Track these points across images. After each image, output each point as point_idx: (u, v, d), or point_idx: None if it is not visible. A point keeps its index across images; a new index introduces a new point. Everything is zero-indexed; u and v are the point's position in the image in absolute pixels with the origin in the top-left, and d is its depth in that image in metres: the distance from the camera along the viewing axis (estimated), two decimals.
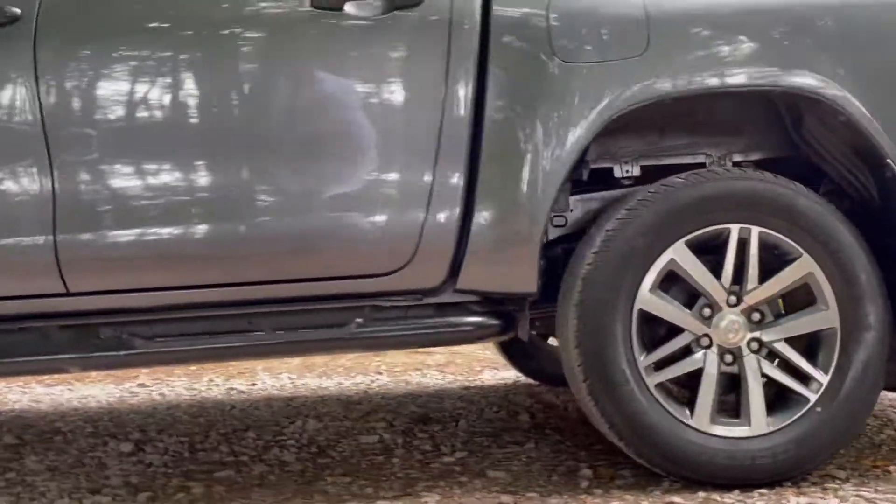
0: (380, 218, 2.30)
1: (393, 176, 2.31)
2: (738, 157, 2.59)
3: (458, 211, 2.31)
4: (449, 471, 2.57)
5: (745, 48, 2.34)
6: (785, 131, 2.54)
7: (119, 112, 2.26)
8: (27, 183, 2.23)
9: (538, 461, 2.63)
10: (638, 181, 2.52)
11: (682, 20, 2.34)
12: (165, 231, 2.26)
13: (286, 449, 2.87)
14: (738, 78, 2.34)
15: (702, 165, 2.57)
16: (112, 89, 2.25)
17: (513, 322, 2.41)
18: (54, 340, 2.28)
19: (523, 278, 2.32)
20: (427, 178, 2.30)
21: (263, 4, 2.31)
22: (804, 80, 2.31)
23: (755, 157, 2.61)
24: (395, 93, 2.32)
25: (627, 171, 2.54)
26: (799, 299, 2.37)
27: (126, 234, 2.25)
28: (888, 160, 2.31)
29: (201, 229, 2.26)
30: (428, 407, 3.43)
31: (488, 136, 2.31)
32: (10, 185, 2.24)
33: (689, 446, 2.28)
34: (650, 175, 2.51)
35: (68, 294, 2.25)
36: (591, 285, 2.28)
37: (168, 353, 2.31)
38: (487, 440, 2.89)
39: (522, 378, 3.90)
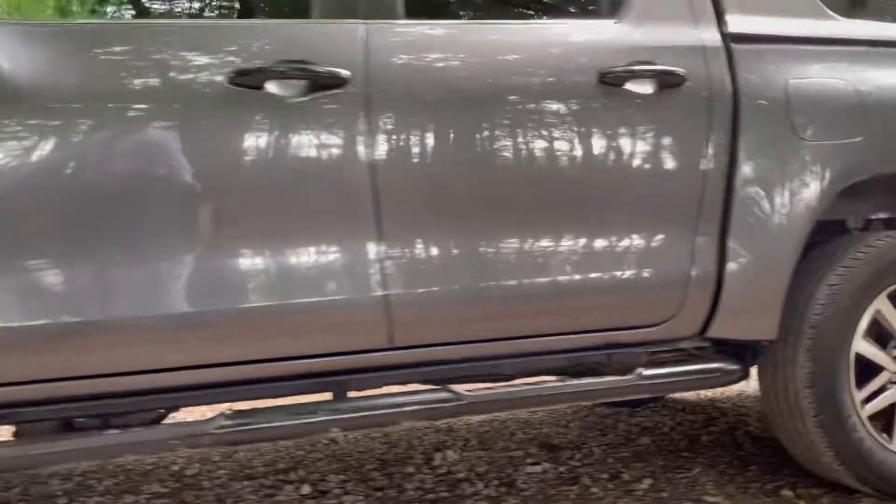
0: (659, 274, 2.53)
1: (668, 237, 2.54)
2: (868, 216, 3.09)
3: (714, 267, 2.59)
4: (660, 499, 2.83)
5: None
6: None
7: (447, 173, 2.33)
8: (357, 241, 2.26)
9: (729, 483, 2.93)
10: None
11: (890, 111, 2.76)
12: (488, 286, 2.36)
13: (471, 483, 2.99)
14: None
15: (842, 223, 3.03)
16: (442, 149, 2.32)
17: (746, 366, 2.73)
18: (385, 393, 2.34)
19: (768, 326, 2.65)
20: (692, 238, 2.56)
21: (564, 78, 2.46)
22: None
23: (882, 216, 3.11)
24: (667, 162, 2.54)
25: None
26: None
27: (453, 292, 2.33)
28: None
29: (526, 285, 2.38)
30: (527, 432, 3.65)
31: (739, 201, 2.60)
32: (338, 244, 2.25)
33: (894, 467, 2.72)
34: None
35: (393, 348, 2.31)
36: (823, 333, 2.65)
37: (484, 402, 2.44)
38: (646, 465, 3.16)
39: None
